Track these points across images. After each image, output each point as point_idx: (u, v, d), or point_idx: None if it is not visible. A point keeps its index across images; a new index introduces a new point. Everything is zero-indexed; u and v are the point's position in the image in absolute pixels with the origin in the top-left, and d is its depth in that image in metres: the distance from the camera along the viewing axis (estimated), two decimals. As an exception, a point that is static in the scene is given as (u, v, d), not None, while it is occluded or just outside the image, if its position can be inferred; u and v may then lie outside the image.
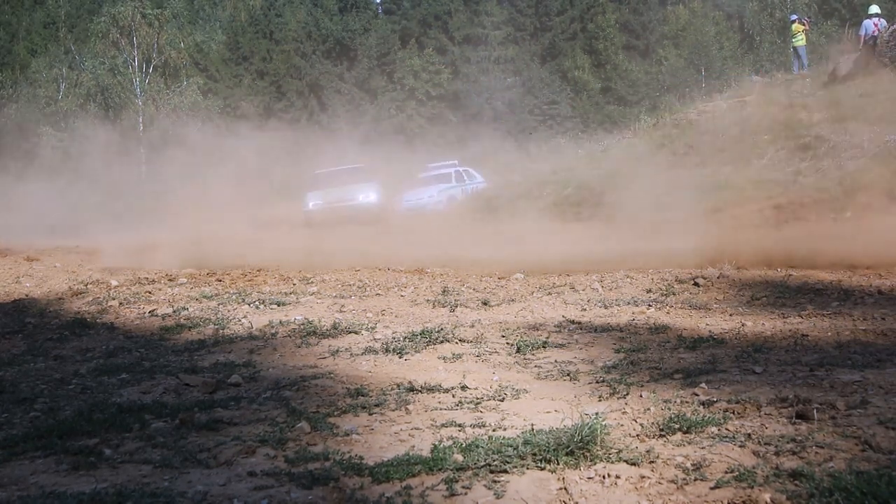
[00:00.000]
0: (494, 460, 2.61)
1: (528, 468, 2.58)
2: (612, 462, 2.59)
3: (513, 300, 5.93)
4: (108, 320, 5.97)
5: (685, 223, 12.23)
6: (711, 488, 2.37)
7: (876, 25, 16.47)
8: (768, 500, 2.25)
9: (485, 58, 41.84)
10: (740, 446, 2.65)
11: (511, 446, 2.70)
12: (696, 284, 6.02)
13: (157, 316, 5.98)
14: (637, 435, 2.84)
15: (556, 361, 4.08)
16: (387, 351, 4.45)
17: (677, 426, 2.85)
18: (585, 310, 5.42)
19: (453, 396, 3.53)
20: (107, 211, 25.43)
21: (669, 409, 3.08)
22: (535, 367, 4.02)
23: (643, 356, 4.05)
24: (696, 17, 40.22)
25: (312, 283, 7.20)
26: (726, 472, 2.45)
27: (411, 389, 3.64)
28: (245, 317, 5.66)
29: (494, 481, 2.51)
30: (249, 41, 41.99)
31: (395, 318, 5.51)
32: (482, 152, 34.77)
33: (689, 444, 2.72)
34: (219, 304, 6.16)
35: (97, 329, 5.71)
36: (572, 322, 5.04)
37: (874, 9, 17.38)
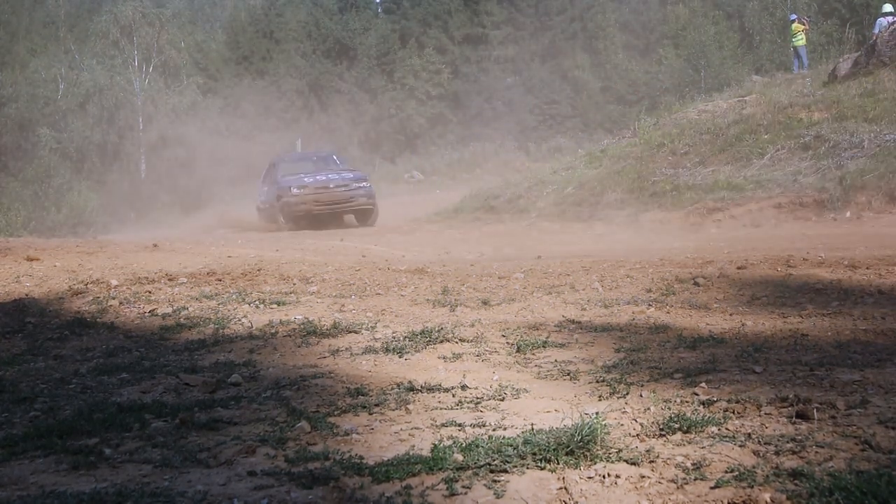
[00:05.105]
0: (494, 460, 2.61)
1: (528, 468, 2.58)
2: (612, 462, 2.59)
3: (513, 300, 5.93)
4: (108, 320, 5.97)
5: (685, 223, 12.25)
6: (711, 488, 2.37)
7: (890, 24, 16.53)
8: (768, 500, 2.25)
9: (485, 58, 41.81)
10: (740, 446, 2.65)
11: (511, 446, 2.70)
12: (696, 284, 6.02)
13: (157, 315, 5.97)
14: (637, 435, 2.85)
15: (556, 361, 4.08)
16: (387, 350, 4.45)
17: (677, 426, 2.85)
18: (585, 309, 5.42)
19: (453, 396, 3.53)
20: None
21: (669, 408, 3.08)
22: (536, 366, 4.02)
23: (643, 356, 4.05)
24: (696, 17, 40.17)
25: (312, 282, 7.20)
26: (726, 472, 2.45)
27: (411, 389, 3.64)
28: (245, 316, 5.66)
29: (494, 481, 2.51)
30: (249, 41, 41.97)
31: (396, 317, 5.51)
32: (482, 152, 34.78)
33: (689, 443, 2.72)
34: (219, 304, 6.15)
35: (97, 329, 5.71)
36: (572, 322, 5.04)
37: (888, 7, 17.42)
